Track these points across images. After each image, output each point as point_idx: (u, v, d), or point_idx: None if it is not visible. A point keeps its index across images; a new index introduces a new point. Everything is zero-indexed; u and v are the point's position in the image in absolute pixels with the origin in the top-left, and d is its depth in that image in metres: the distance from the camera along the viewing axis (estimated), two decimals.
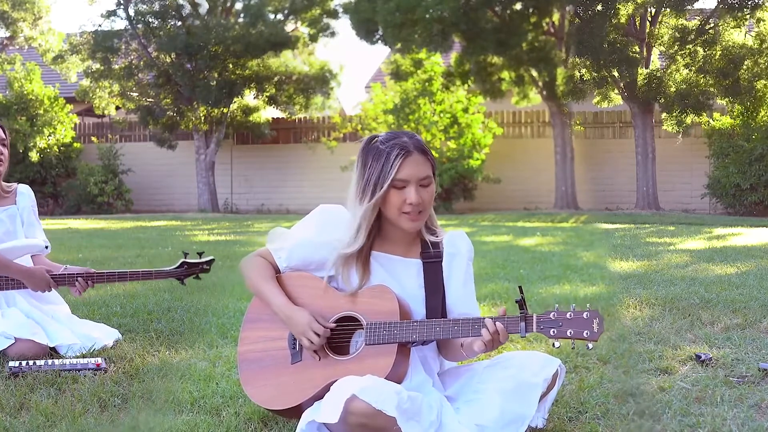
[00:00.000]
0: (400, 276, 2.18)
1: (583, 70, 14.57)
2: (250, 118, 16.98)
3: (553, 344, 1.96)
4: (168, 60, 16.56)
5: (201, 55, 15.94)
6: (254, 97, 17.25)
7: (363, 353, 2.09)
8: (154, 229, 10.94)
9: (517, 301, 1.98)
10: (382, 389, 1.90)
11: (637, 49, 14.24)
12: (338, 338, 2.17)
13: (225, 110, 16.52)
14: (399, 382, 2.05)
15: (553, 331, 1.95)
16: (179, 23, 16.86)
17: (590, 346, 1.94)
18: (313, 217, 2.26)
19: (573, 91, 14.42)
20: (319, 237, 2.21)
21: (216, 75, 16.23)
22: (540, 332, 1.96)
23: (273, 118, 17.84)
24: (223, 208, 17.25)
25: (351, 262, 2.15)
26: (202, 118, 16.74)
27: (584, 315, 1.94)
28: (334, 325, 2.14)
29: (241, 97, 16.76)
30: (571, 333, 1.93)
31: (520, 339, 3.32)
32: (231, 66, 16.34)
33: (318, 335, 2.10)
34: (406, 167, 2.06)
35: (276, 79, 16.64)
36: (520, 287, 2.02)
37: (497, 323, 1.97)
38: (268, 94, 16.95)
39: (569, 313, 1.95)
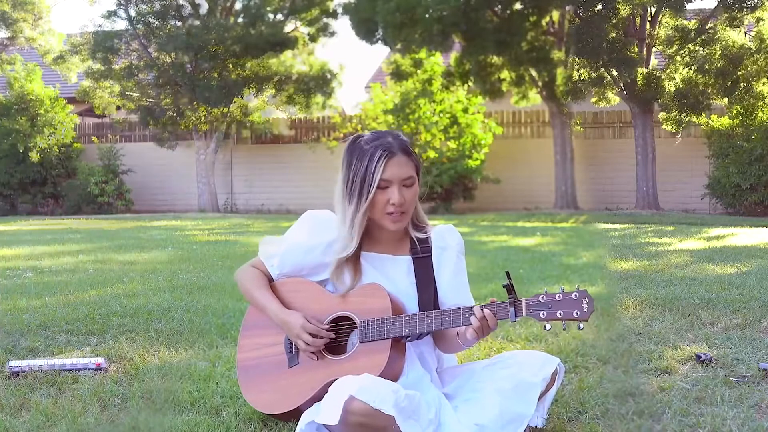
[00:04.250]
0: (391, 274, 2.19)
1: (581, 70, 14.57)
2: (251, 118, 16.98)
3: (544, 326, 1.95)
4: (168, 60, 16.57)
5: (201, 55, 15.94)
6: (254, 96, 17.26)
7: (358, 351, 2.09)
8: (155, 229, 10.94)
9: (504, 286, 1.98)
10: (379, 388, 1.91)
11: (637, 49, 14.24)
12: (335, 339, 2.17)
13: (225, 110, 16.52)
14: (395, 379, 2.06)
15: (543, 314, 1.95)
16: (179, 23, 16.87)
17: (581, 326, 1.94)
18: (302, 223, 2.27)
19: (572, 91, 14.43)
20: (309, 242, 2.22)
21: (216, 75, 16.22)
22: (530, 316, 1.96)
23: (272, 117, 17.85)
24: (223, 208, 17.26)
25: (342, 264, 2.16)
26: (202, 117, 16.75)
27: (573, 295, 1.94)
28: (327, 326, 2.14)
29: (241, 97, 16.75)
30: (561, 314, 1.93)
31: (519, 339, 3.33)
32: (231, 66, 16.33)
33: (312, 336, 2.10)
34: (389, 168, 2.07)
35: (276, 79, 16.64)
36: (507, 272, 2.01)
37: (484, 309, 1.98)
38: (267, 94, 16.95)
39: (558, 294, 1.96)
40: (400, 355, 2.10)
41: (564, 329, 1.98)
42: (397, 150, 2.09)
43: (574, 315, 1.92)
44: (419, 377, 2.13)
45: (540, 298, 1.96)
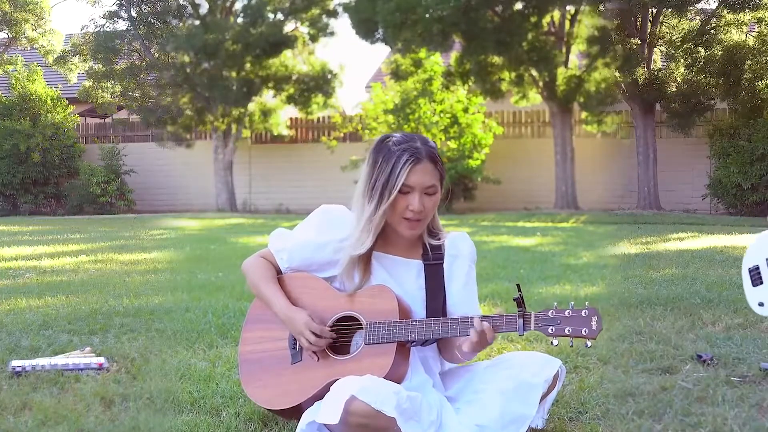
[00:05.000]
0: (400, 277, 2.18)
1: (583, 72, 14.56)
2: (250, 119, 16.98)
3: (552, 342, 1.95)
4: (169, 60, 16.58)
5: (200, 55, 15.92)
6: (253, 96, 17.24)
7: (362, 353, 2.09)
8: (155, 229, 10.94)
9: (514, 299, 1.97)
10: (381, 389, 1.90)
11: (636, 48, 14.24)
12: (339, 338, 2.17)
13: (222, 110, 16.49)
14: (399, 382, 2.05)
15: (551, 329, 1.94)
16: (179, 23, 16.88)
17: (589, 344, 1.93)
18: (315, 218, 2.25)
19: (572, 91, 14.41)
20: (321, 237, 2.21)
21: (220, 75, 16.21)
22: (538, 330, 1.95)
23: (273, 117, 17.84)
24: (222, 207, 17.27)
25: (353, 262, 2.14)
26: (203, 118, 16.76)
27: (582, 313, 1.93)
28: (328, 328, 2.13)
29: (252, 95, 16.69)
30: (569, 331, 1.92)
31: (520, 339, 3.33)
32: (230, 66, 16.31)
33: (315, 335, 2.10)
34: (413, 174, 2.05)
35: (276, 78, 16.62)
36: (518, 285, 2.01)
37: (483, 322, 1.97)
38: (266, 94, 16.95)
39: (567, 310, 1.94)
40: (405, 359, 2.09)
41: (571, 345, 1.97)
42: (424, 157, 2.07)
43: (583, 333, 1.91)
44: (422, 382, 2.13)
45: (549, 313, 1.95)
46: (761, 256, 2.81)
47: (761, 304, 2.82)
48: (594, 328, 1.91)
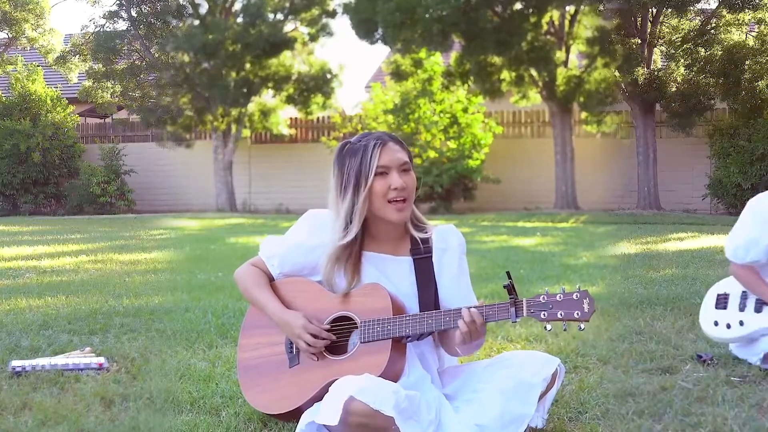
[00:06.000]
0: (391, 274, 2.18)
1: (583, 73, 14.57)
2: (250, 119, 16.99)
3: (545, 327, 1.96)
4: (169, 60, 16.58)
5: (200, 55, 15.90)
6: (253, 96, 17.25)
7: (358, 352, 2.09)
8: (155, 229, 10.94)
9: (505, 287, 1.98)
10: (379, 389, 1.91)
11: (636, 49, 14.24)
12: (336, 339, 2.17)
13: (222, 111, 16.48)
14: (396, 379, 2.06)
15: (544, 314, 1.95)
16: (179, 23, 16.88)
17: (582, 326, 1.94)
18: (303, 222, 2.27)
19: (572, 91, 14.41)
20: (310, 241, 2.22)
21: (221, 74, 16.21)
22: (531, 316, 1.96)
23: (272, 116, 17.84)
24: (222, 207, 17.28)
25: (342, 262, 2.15)
26: (203, 118, 16.76)
27: (574, 296, 1.94)
28: (328, 326, 2.14)
29: (251, 96, 16.66)
30: (561, 314, 1.94)
31: (519, 339, 3.33)
32: (230, 66, 16.31)
33: (314, 336, 2.10)
34: (385, 154, 2.10)
35: (275, 78, 16.63)
36: (507, 272, 2.02)
37: (472, 310, 1.98)
38: (265, 94, 16.94)
39: (559, 295, 1.96)
40: (401, 355, 2.10)
41: (565, 329, 1.99)
42: (389, 139, 2.14)
43: (575, 315, 1.93)
44: (420, 378, 2.13)
45: (541, 299, 1.96)
46: (737, 289, 2.93)
47: (716, 323, 2.96)
48: (586, 310, 1.92)
